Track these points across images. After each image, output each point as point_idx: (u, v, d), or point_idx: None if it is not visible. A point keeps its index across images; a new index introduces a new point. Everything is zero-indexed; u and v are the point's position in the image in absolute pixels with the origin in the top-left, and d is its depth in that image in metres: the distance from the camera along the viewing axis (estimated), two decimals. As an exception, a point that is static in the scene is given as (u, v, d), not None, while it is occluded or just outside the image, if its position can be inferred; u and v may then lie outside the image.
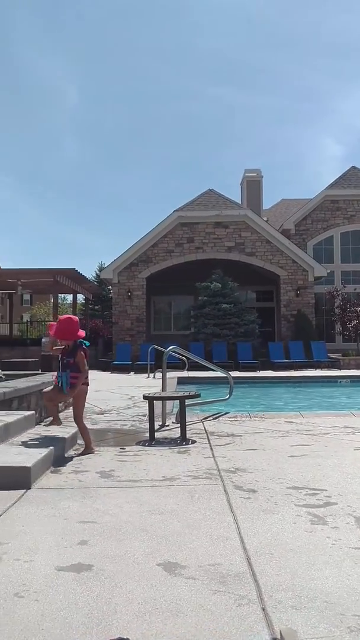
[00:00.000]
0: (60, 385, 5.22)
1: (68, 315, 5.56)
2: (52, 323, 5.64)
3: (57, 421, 5.68)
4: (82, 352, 5.19)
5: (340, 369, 17.84)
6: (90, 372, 11.89)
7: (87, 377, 5.34)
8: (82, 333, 5.34)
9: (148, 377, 15.54)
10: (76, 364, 5.14)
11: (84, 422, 5.25)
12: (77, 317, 5.60)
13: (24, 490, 3.73)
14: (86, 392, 5.37)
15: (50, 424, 5.75)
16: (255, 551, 2.64)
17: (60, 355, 5.29)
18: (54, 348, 5.46)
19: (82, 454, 4.98)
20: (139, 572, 2.40)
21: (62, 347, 5.32)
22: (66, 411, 8.10)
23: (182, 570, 2.43)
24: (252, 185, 29.12)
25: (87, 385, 5.35)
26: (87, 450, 5.03)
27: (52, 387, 5.49)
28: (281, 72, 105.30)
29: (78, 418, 5.20)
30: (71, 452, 5.06)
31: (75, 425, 5.26)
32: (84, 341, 5.31)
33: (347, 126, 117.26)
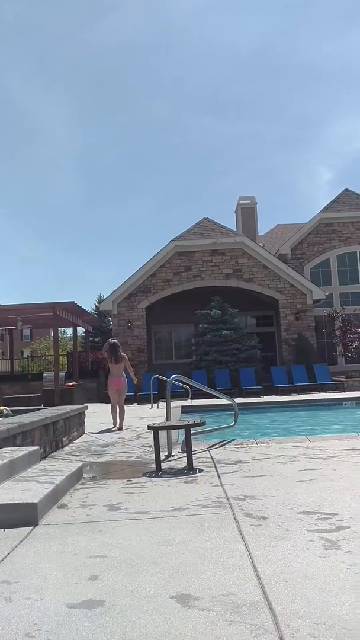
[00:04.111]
0: None
1: None
2: None
3: None
4: None
5: (344, 391, 17.72)
6: (91, 404, 11.93)
7: None
8: None
9: (151, 407, 15.45)
10: None
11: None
12: None
13: (32, 527, 3.68)
14: None
15: None
16: (269, 579, 2.59)
17: None
18: None
19: None
20: (152, 606, 2.35)
21: None
22: (70, 445, 8.04)
23: (196, 601, 2.38)
24: (247, 213, 29.44)
25: None
26: None
27: None
28: (272, 101, 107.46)
29: None
30: (77, 486, 5.01)
31: (81, 460, 5.21)
32: None
33: (336, 150, 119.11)
